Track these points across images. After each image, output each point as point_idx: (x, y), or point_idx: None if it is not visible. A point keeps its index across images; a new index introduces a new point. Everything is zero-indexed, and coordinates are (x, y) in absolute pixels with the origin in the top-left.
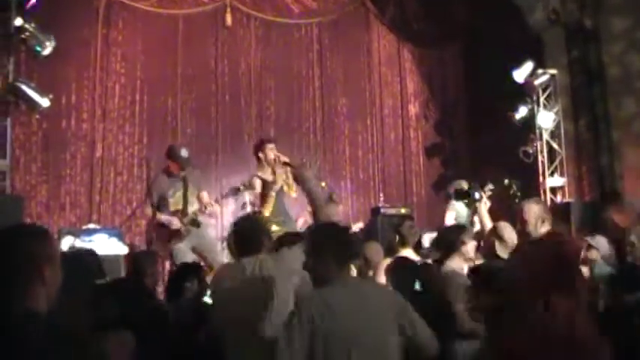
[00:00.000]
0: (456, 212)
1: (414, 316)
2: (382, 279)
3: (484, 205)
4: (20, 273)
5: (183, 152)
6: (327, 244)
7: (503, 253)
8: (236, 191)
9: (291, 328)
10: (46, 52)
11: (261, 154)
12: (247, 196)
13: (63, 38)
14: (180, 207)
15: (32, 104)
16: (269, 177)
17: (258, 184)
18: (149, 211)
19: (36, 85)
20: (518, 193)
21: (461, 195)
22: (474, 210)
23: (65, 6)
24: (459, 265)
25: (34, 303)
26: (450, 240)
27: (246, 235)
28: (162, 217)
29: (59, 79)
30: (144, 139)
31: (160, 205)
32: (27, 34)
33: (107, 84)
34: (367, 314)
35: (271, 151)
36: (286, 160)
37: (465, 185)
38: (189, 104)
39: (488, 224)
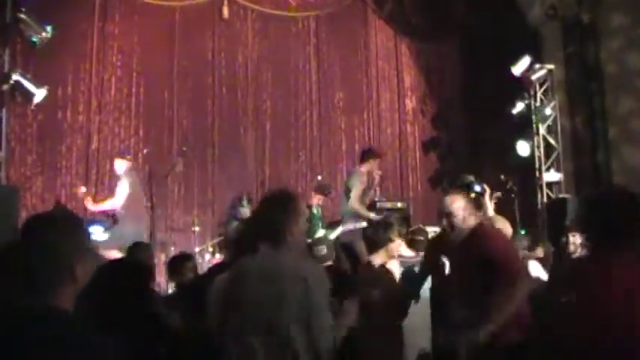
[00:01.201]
0: None
1: (316, 300)
2: None
3: (488, 198)
4: (48, 269)
5: None
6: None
7: None
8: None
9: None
10: (43, 43)
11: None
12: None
13: (60, 30)
14: None
15: (28, 95)
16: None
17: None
18: None
19: (32, 76)
20: (515, 189)
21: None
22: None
23: None
24: (384, 261)
25: (60, 301)
26: (377, 236)
27: None
28: None
29: (55, 71)
30: (140, 131)
31: None
32: (23, 25)
33: (103, 76)
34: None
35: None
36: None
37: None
38: (186, 97)
39: (491, 214)
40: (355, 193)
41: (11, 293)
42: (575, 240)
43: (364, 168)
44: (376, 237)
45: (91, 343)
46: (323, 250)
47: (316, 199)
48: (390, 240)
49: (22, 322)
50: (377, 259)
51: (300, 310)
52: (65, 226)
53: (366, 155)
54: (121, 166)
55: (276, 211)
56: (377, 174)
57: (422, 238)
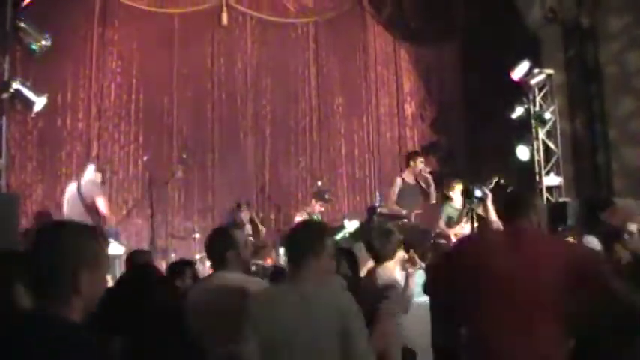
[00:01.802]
0: (446, 212)
1: (355, 325)
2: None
3: (490, 202)
4: (51, 276)
5: None
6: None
7: None
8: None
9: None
10: (42, 50)
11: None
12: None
13: (59, 37)
14: None
15: (28, 103)
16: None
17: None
18: None
19: (32, 83)
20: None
21: (464, 194)
22: (469, 209)
23: (61, 4)
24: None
25: (62, 310)
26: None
27: None
28: None
29: (55, 78)
30: (140, 138)
31: None
32: (23, 32)
33: (103, 83)
34: (306, 315)
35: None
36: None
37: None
38: (185, 103)
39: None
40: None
41: (14, 299)
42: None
43: (405, 174)
44: (383, 249)
45: (79, 350)
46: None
47: (317, 207)
48: (395, 251)
49: (14, 328)
50: (383, 270)
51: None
52: (70, 234)
53: (406, 161)
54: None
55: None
56: (425, 172)
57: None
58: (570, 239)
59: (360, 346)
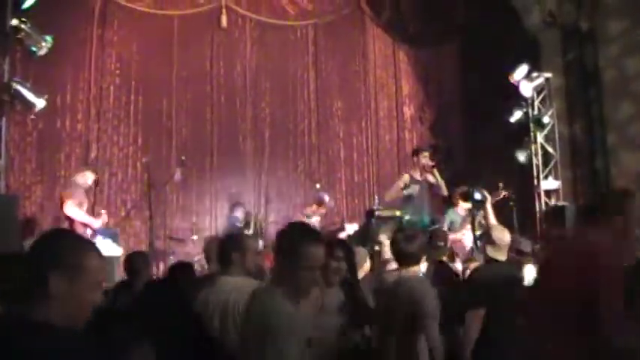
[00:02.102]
0: (449, 218)
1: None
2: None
3: (489, 205)
4: (21, 283)
5: None
6: None
7: (495, 254)
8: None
9: None
10: (42, 52)
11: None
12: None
13: (59, 38)
14: None
15: (27, 104)
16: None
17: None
18: None
19: (31, 85)
20: (513, 196)
21: (464, 197)
22: (472, 214)
23: (61, 6)
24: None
25: (37, 314)
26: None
27: None
28: None
29: (54, 79)
30: (139, 140)
31: None
32: (23, 34)
33: (102, 85)
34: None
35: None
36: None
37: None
38: (185, 105)
39: (492, 222)
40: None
41: None
42: None
43: (411, 171)
44: (408, 249)
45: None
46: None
47: (313, 208)
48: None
49: None
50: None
51: None
52: (47, 242)
53: (411, 157)
54: None
55: None
56: (429, 166)
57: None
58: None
59: None
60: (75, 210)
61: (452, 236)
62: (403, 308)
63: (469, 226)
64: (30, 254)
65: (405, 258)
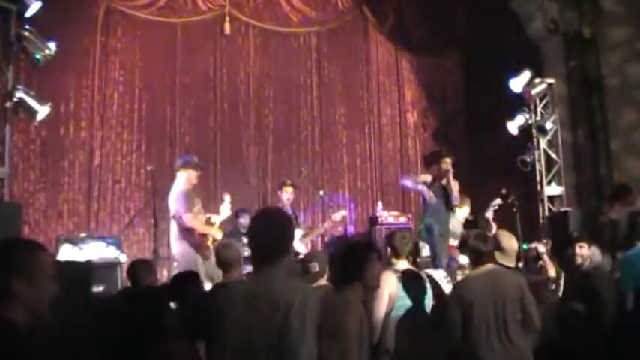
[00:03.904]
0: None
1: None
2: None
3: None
4: None
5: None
6: None
7: (504, 260)
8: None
9: None
10: (46, 60)
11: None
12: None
13: (62, 46)
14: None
15: (31, 112)
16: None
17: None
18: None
19: (35, 93)
20: (516, 202)
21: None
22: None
23: (65, 14)
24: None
25: (6, 312)
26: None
27: None
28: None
29: (58, 87)
30: (142, 147)
31: None
32: (26, 42)
33: (106, 92)
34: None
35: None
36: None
37: None
38: (188, 113)
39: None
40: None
41: None
42: (582, 251)
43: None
44: (485, 248)
45: (22, 347)
46: (315, 267)
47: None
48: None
49: None
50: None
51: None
52: (5, 250)
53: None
54: None
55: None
56: (450, 174)
57: None
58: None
59: None
60: (195, 221)
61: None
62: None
63: None
64: None
65: (481, 256)
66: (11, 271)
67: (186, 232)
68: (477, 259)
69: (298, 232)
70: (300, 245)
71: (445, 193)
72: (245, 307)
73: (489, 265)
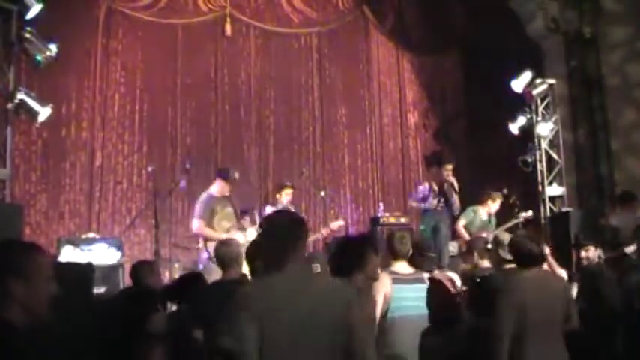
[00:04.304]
0: (468, 217)
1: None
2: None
3: None
4: None
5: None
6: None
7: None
8: None
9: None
10: (47, 61)
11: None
12: None
13: (63, 47)
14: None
15: (32, 113)
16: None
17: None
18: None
19: (36, 94)
20: (517, 202)
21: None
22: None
23: (66, 15)
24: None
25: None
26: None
27: None
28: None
29: (59, 88)
30: (143, 148)
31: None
32: (28, 43)
33: (107, 93)
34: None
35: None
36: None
37: None
38: (189, 113)
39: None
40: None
41: None
42: (589, 254)
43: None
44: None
45: (19, 347)
46: (317, 267)
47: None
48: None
49: None
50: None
51: None
52: (6, 252)
53: (434, 165)
54: None
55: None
56: (450, 180)
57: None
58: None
59: None
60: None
61: (462, 232)
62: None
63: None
64: None
65: (531, 259)
66: (8, 271)
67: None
68: (528, 262)
69: None
70: None
71: (446, 198)
72: (292, 305)
73: (539, 268)
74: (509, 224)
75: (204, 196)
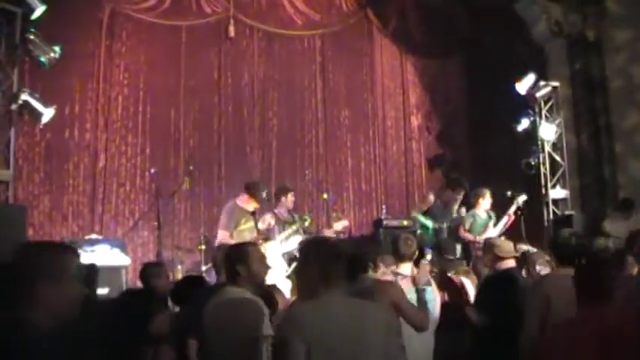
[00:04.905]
0: (469, 220)
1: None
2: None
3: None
4: (13, 285)
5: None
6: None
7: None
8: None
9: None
10: (51, 62)
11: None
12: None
13: (67, 49)
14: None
15: (36, 114)
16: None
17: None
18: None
19: (40, 95)
20: (521, 206)
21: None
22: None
23: (69, 17)
24: None
25: (28, 315)
26: None
27: None
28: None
29: (63, 90)
30: (146, 150)
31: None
32: (31, 45)
33: (110, 95)
34: (360, 330)
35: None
36: None
37: None
38: (192, 115)
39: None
40: None
41: None
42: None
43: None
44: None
45: (43, 348)
46: None
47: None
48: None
49: None
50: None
51: None
52: (32, 253)
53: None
54: None
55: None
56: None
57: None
58: None
59: None
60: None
61: (469, 237)
62: None
63: (491, 229)
64: (17, 265)
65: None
66: (38, 273)
67: None
68: (565, 260)
69: (297, 238)
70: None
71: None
72: (338, 331)
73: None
74: (509, 212)
75: (229, 205)
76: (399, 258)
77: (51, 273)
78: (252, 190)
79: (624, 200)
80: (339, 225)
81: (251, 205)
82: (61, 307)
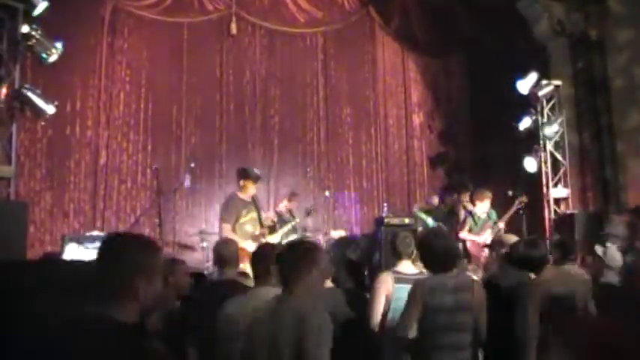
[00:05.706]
0: (469, 222)
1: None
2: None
3: None
4: (109, 285)
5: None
6: None
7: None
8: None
9: None
10: (52, 59)
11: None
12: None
13: (69, 45)
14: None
15: (37, 111)
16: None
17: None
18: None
19: (41, 91)
20: (522, 204)
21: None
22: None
23: (71, 13)
24: None
25: (118, 314)
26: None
27: None
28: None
29: (64, 87)
30: (148, 146)
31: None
32: (33, 41)
33: (112, 91)
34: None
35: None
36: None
37: None
38: (194, 112)
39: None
40: None
41: (81, 302)
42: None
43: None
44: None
45: (132, 350)
46: None
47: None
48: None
49: (75, 326)
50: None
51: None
52: (134, 248)
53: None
54: None
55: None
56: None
57: None
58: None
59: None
60: (226, 232)
61: (469, 237)
62: None
63: (490, 230)
64: (113, 260)
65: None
66: (136, 271)
67: None
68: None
69: (293, 236)
70: None
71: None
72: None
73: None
74: (509, 213)
75: (229, 197)
76: (398, 256)
77: (147, 271)
78: (243, 174)
79: (637, 208)
80: (336, 234)
81: (249, 192)
82: (147, 302)
